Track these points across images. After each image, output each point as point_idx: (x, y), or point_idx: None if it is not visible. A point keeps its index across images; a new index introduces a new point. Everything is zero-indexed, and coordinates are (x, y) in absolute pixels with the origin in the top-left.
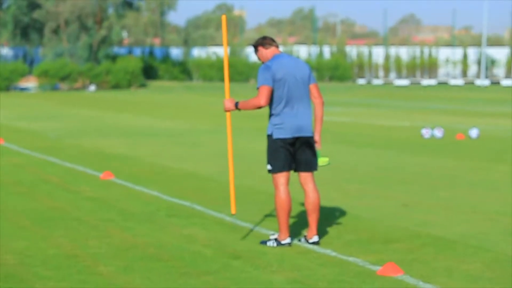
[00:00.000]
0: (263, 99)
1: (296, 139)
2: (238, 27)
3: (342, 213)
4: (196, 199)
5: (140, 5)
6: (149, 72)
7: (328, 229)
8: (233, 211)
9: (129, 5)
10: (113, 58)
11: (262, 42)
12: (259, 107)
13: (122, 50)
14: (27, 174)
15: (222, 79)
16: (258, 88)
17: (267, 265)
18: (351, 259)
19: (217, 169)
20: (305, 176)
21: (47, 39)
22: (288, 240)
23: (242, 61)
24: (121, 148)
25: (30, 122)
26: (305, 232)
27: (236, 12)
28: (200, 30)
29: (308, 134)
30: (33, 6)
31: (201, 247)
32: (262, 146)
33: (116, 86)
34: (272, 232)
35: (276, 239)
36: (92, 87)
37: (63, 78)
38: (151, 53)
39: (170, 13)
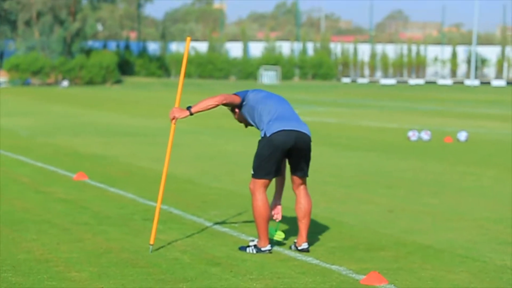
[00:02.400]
0: (222, 98)
1: (296, 138)
2: (218, 21)
3: (325, 218)
4: (173, 202)
5: None
6: (125, 68)
7: (310, 235)
8: (151, 241)
9: None
10: (87, 52)
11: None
12: (217, 105)
13: (96, 44)
14: None
15: (201, 76)
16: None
17: (246, 273)
18: (333, 267)
19: (196, 171)
20: (299, 180)
21: (20, 31)
22: (268, 247)
23: (222, 57)
24: (95, 147)
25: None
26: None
27: (216, 5)
28: (178, 23)
29: (308, 133)
30: None
31: (178, 253)
32: (242, 148)
33: (90, 82)
34: (251, 238)
35: (255, 246)
36: (65, 83)
37: (35, 73)
38: (127, 47)
39: (147, 5)
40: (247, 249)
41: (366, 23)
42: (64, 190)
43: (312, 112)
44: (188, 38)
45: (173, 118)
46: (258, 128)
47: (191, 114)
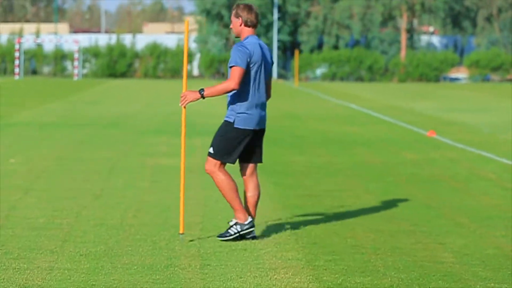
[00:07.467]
0: (234, 82)
1: (257, 131)
2: None
3: None
4: None
5: None
6: None
7: None
8: (181, 229)
9: None
10: None
11: (248, 17)
12: (229, 92)
13: None
14: (462, 169)
15: None
16: (230, 68)
17: None
18: None
19: None
20: (252, 168)
21: (480, 27)
22: (249, 219)
23: None
24: None
25: (461, 115)
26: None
27: None
28: None
29: (264, 126)
30: None
31: None
32: None
33: None
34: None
35: (236, 223)
36: None
37: (495, 69)
38: None
39: None
40: (230, 230)
41: None
42: None
43: None
44: (186, 21)
45: (186, 101)
46: None
47: (203, 97)
